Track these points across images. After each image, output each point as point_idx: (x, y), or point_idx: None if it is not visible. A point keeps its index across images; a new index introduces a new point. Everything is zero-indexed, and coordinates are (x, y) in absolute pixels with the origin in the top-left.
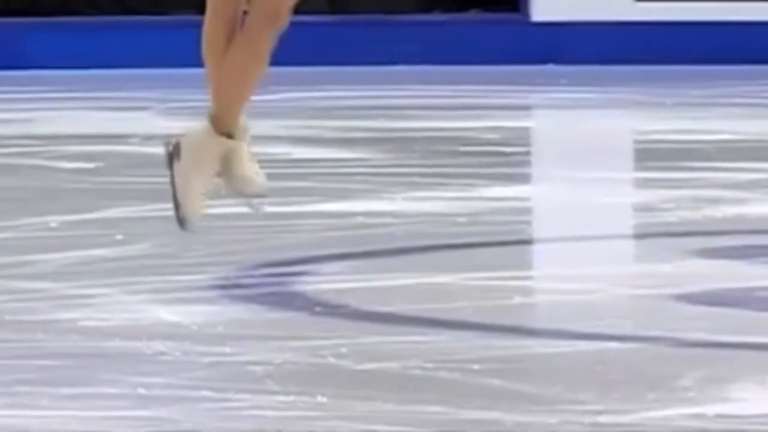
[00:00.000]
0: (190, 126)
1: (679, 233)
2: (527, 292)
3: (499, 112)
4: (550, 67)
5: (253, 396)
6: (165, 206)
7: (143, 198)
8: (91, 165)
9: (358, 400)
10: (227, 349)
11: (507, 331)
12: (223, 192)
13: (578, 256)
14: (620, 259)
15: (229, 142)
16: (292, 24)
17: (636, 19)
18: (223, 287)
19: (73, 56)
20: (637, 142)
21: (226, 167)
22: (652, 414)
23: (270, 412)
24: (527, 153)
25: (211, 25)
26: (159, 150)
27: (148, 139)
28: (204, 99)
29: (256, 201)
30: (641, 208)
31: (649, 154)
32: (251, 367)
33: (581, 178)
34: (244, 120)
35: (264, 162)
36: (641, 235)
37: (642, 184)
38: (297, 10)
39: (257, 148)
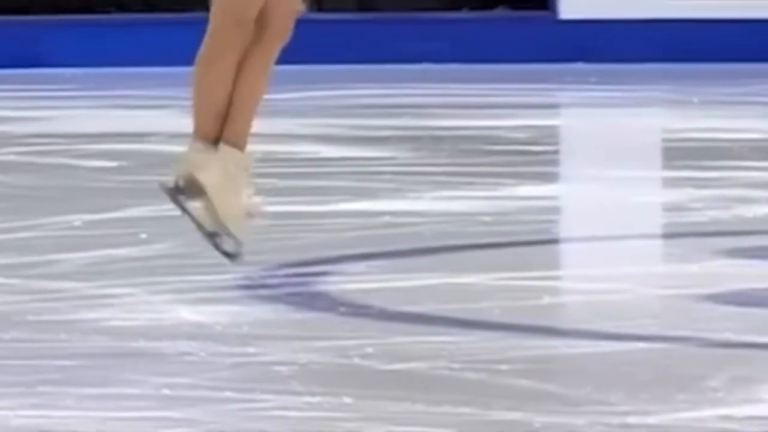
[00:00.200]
0: (187, 163)
1: (708, 233)
2: (555, 292)
3: (527, 111)
4: (579, 65)
5: (277, 397)
6: None
7: (166, 197)
8: (113, 164)
9: (384, 401)
10: (251, 350)
11: (534, 331)
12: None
13: (606, 256)
14: (649, 259)
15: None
16: (320, 22)
17: (665, 17)
18: (247, 287)
19: (94, 54)
20: (666, 140)
21: None
22: (680, 415)
23: (295, 413)
24: (555, 152)
25: (228, 61)
26: (180, 149)
27: (170, 137)
28: None
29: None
30: (670, 208)
31: (678, 153)
32: (276, 368)
33: (610, 177)
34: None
35: (290, 161)
36: (670, 235)
37: (671, 183)
38: (324, 8)
39: (284, 147)
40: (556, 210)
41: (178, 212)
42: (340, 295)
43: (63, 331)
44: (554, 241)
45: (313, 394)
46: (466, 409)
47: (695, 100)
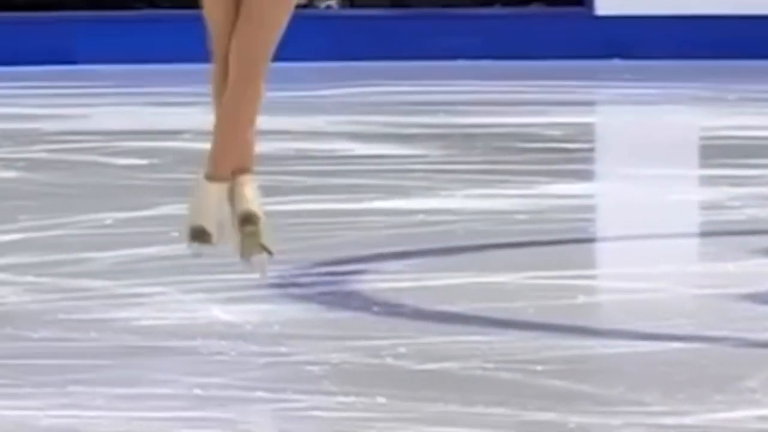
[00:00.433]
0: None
1: (746, 231)
2: (590, 291)
3: (562, 108)
4: (614, 62)
5: (310, 397)
6: None
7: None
8: (145, 161)
9: (417, 401)
10: (283, 349)
11: (569, 331)
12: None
13: (642, 255)
14: (685, 258)
15: None
16: (353, 18)
17: (700, 13)
18: (279, 286)
19: (126, 51)
20: (702, 138)
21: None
22: (717, 416)
23: (327, 413)
24: (590, 149)
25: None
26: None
27: (200, 134)
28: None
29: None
30: (707, 206)
31: (715, 151)
32: (308, 368)
33: (645, 175)
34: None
35: (322, 158)
36: (707, 234)
37: (707, 181)
38: (357, 4)
39: (317, 144)
40: (591, 208)
41: None
42: (373, 294)
43: (93, 330)
44: (589, 240)
45: (345, 395)
46: (499, 410)
47: (731, 97)
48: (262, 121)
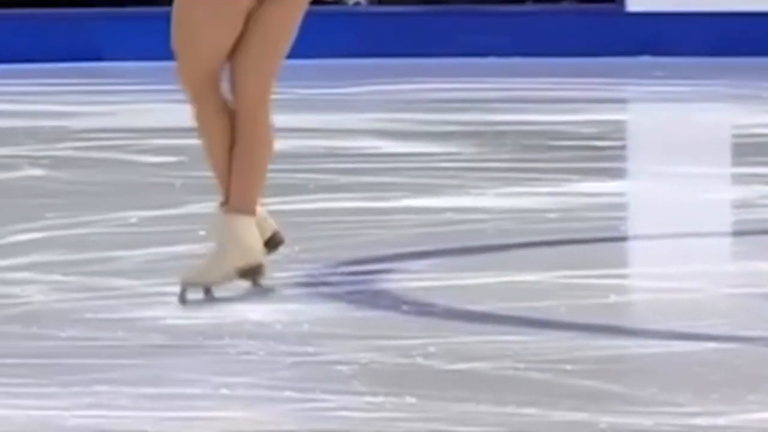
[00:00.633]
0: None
1: None
2: (621, 290)
3: (593, 105)
4: (646, 59)
5: (339, 397)
6: None
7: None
8: (172, 159)
9: (447, 402)
10: (312, 349)
11: (600, 330)
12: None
13: (675, 254)
14: (718, 257)
15: None
16: (385, 15)
17: (732, 10)
18: (308, 285)
19: (153, 48)
20: (735, 136)
21: None
22: (750, 416)
23: (357, 414)
24: (622, 147)
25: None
26: None
27: None
28: (282, 92)
29: None
30: (740, 205)
31: (748, 149)
32: (337, 367)
33: (677, 174)
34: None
35: (351, 156)
36: (740, 233)
37: (740, 179)
38: (386, 1)
39: (346, 142)
40: (622, 207)
41: None
42: (402, 293)
43: (120, 330)
44: (620, 239)
45: (374, 394)
46: (530, 410)
47: (765, 94)
48: (292, 119)
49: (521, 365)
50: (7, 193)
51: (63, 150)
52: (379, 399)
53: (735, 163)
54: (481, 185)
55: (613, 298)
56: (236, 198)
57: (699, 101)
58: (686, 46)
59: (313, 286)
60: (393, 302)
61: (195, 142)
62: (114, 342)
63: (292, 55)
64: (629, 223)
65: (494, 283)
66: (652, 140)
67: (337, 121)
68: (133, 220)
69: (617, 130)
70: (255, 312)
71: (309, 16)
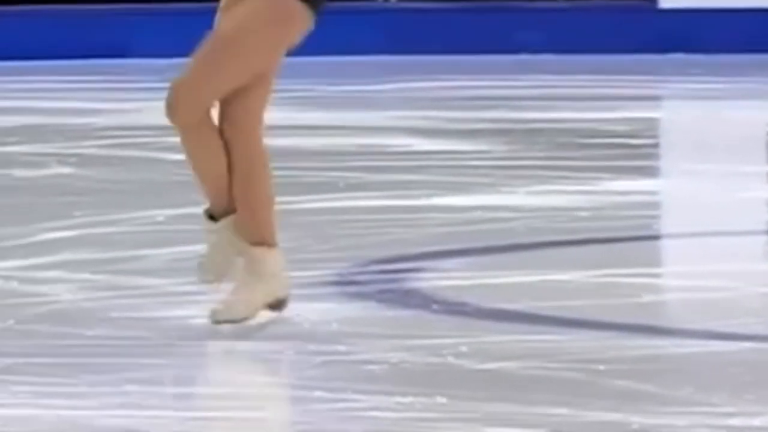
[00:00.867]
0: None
1: None
2: (654, 289)
3: (626, 103)
4: (679, 56)
5: (369, 397)
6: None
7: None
8: None
9: (478, 401)
10: (342, 348)
11: (633, 330)
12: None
13: (709, 253)
14: (753, 257)
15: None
16: (414, 11)
17: (766, 6)
18: (337, 284)
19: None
20: None
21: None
22: None
23: (387, 414)
24: (655, 145)
25: None
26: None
27: None
28: (310, 89)
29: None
30: None
31: None
32: (367, 367)
33: (711, 172)
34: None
35: (381, 154)
36: None
37: None
38: None
39: (376, 140)
40: (655, 205)
41: None
42: (433, 292)
43: (147, 329)
44: (653, 238)
45: (405, 394)
46: (562, 410)
47: None
48: (321, 117)
49: (553, 365)
50: (36, 191)
51: (87, 148)
52: (409, 399)
53: None
54: (512, 183)
55: (646, 297)
56: (255, 233)
57: (732, 98)
58: (719, 42)
59: (343, 284)
60: (423, 301)
61: None
62: (141, 342)
63: (321, 52)
64: (662, 222)
65: (525, 282)
66: (685, 138)
67: (367, 118)
68: (160, 219)
69: (650, 127)
70: (285, 311)
71: (337, 14)
